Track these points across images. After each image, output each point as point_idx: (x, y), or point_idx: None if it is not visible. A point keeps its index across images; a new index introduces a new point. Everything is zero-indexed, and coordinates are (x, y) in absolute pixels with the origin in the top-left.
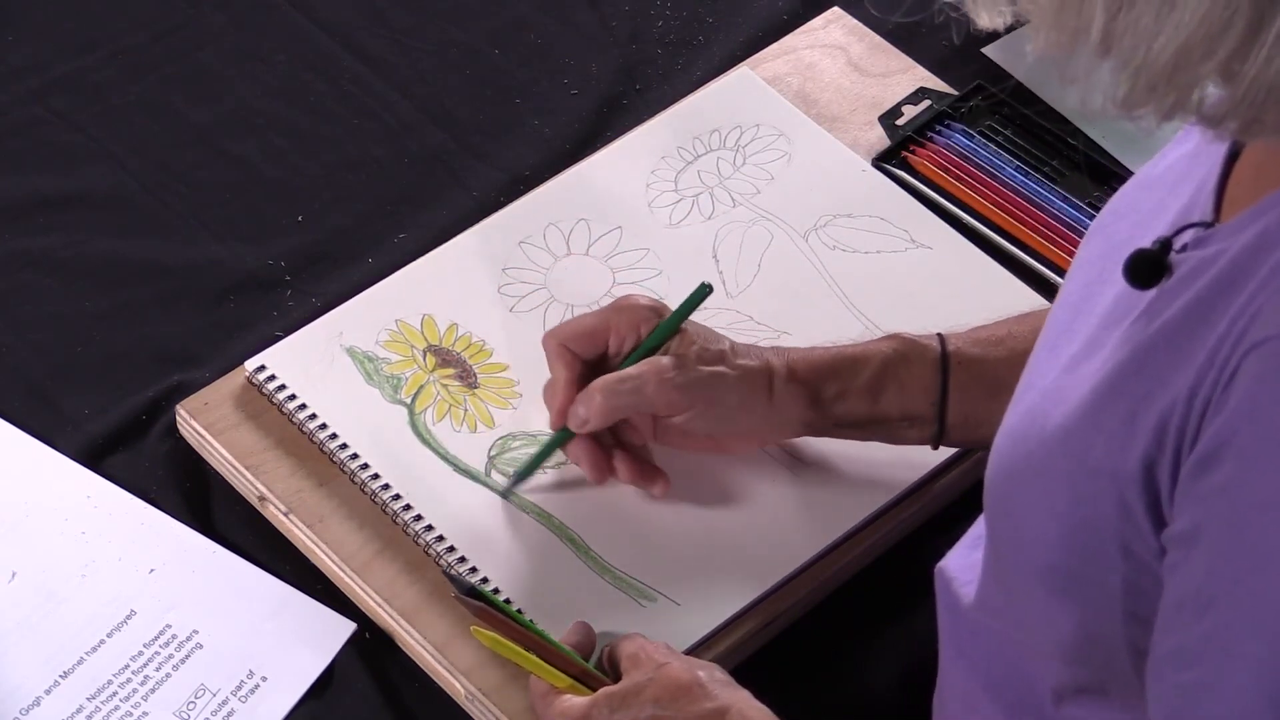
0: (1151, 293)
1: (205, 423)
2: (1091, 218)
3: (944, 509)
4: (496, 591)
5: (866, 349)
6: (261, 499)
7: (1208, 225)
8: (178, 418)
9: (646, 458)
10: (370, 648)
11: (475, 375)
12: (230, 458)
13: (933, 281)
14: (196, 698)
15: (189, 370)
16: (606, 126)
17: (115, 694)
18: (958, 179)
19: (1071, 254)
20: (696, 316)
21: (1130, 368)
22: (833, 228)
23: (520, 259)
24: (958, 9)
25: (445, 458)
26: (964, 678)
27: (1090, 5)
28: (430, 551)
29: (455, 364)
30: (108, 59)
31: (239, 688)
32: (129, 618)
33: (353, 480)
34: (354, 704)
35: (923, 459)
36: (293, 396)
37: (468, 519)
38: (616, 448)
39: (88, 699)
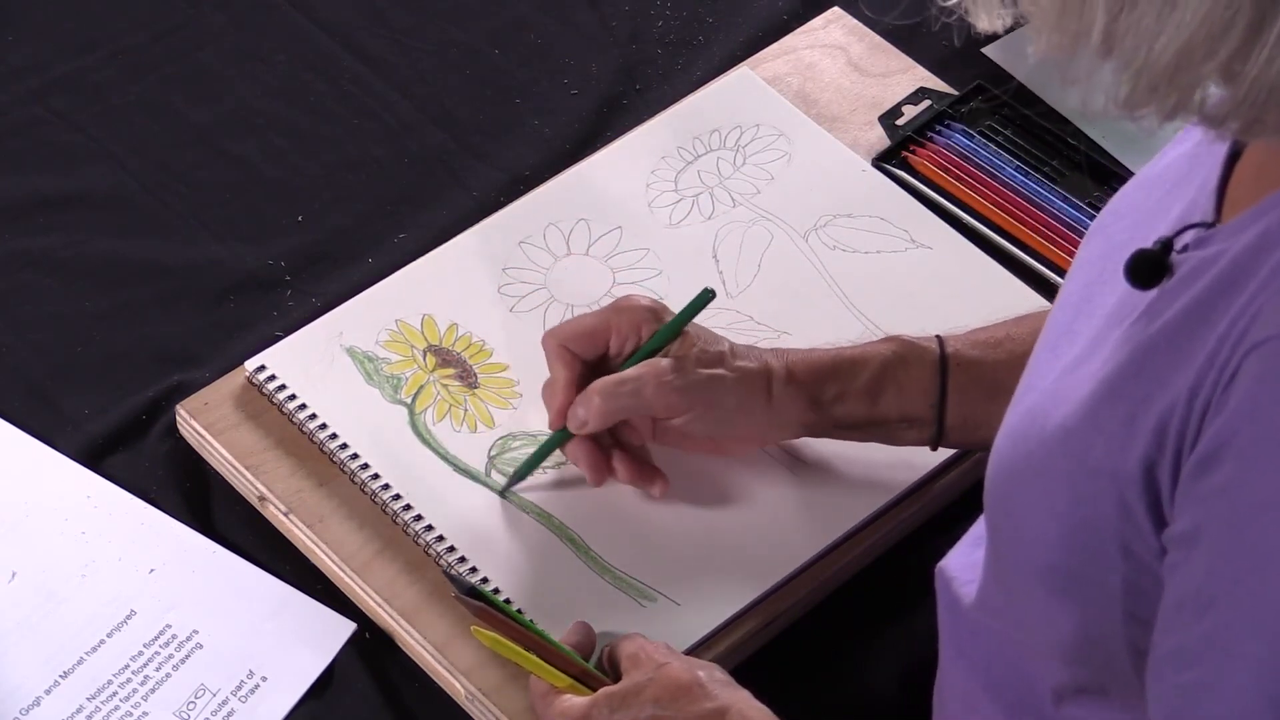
0: (1152, 293)
1: (205, 423)
2: (1091, 218)
3: (944, 509)
4: (496, 591)
5: (865, 351)
6: (261, 499)
7: (1208, 225)
8: (178, 418)
9: (645, 458)
10: (370, 648)
11: (475, 375)
12: (230, 458)
13: (933, 282)
14: (196, 698)
15: (189, 370)
16: (606, 126)
17: (115, 694)
18: (958, 179)
19: (1071, 254)
20: (699, 316)
21: (1130, 368)
22: (833, 228)
23: (520, 259)
24: (953, 13)
25: (445, 458)
26: (964, 677)
27: (1092, 7)
28: (430, 551)
29: (455, 364)
30: (108, 59)
31: (239, 688)
32: (129, 618)
33: (353, 480)
34: (354, 704)
35: (922, 460)
36: (293, 396)
37: (468, 519)
38: (615, 448)
39: (88, 699)
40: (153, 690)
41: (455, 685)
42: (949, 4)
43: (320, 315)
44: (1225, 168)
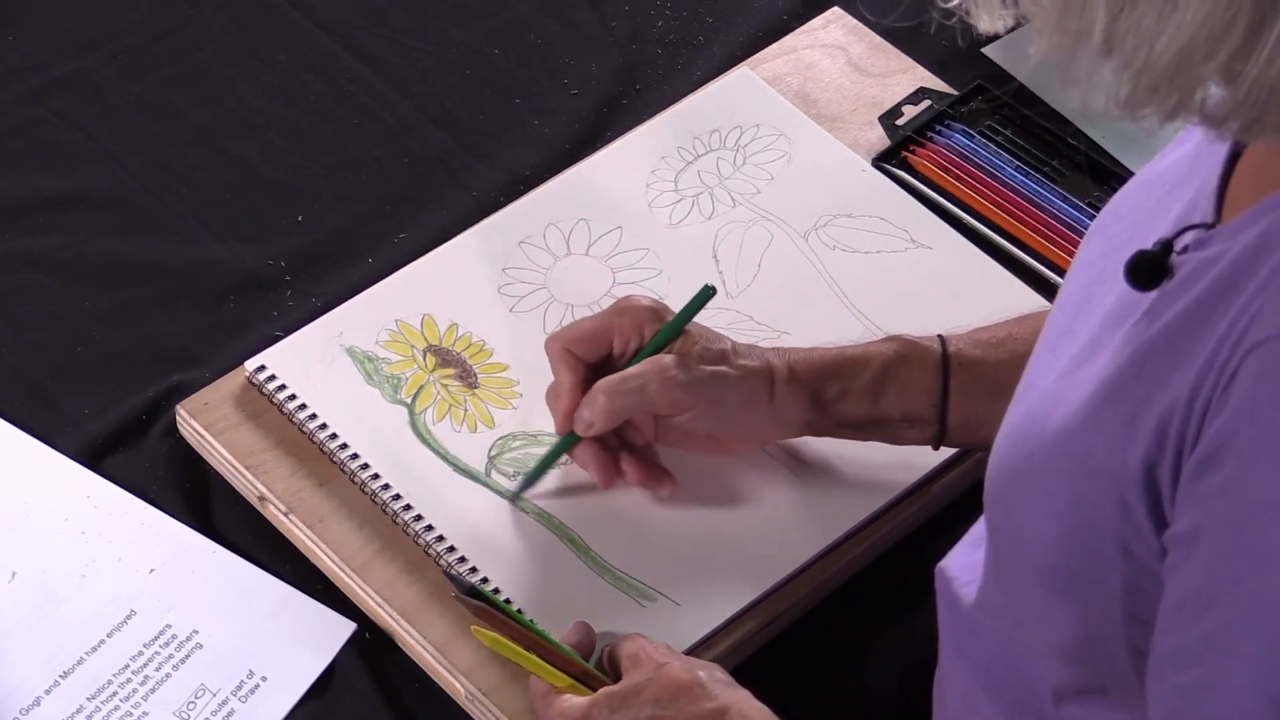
0: (1152, 294)
1: (205, 423)
2: (1091, 218)
3: (944, 509)
4: (496, 591)
5: (867, 350)
6: (261, 499)
7: (1209, 226)
8: (178, 418)
9: (653, 459)
10: (370, 648)
11: (475, 375)
12: (230, 458)
13: (933, 281)
14: (196, 698)
15: (189, 370)
16: (606, 126)
17: (115, 694)
18: (958, 179)
19: (1071, 254)
20: (697, 316)
21: (1131, 369)
22: (833, 228)
23: (520, 259)
24: (953, 14)
25: (445, 458)
26: (964, 678)
27: (1092, 7)
28: (430, 551)
29: (455, 364)
30: (108, 59)
31: (239, 688)
32: (129, 618)
33: (353, 480)
34: (354, 704)
35: (922, 460)
36: (293, 396)
37: (468, 519)
38: (622, 450)
39: (88, 699)
40: (153, 690)
41: (455, 685)
42: (950, 5)
43: (320, 315)
44: (1225, 168)
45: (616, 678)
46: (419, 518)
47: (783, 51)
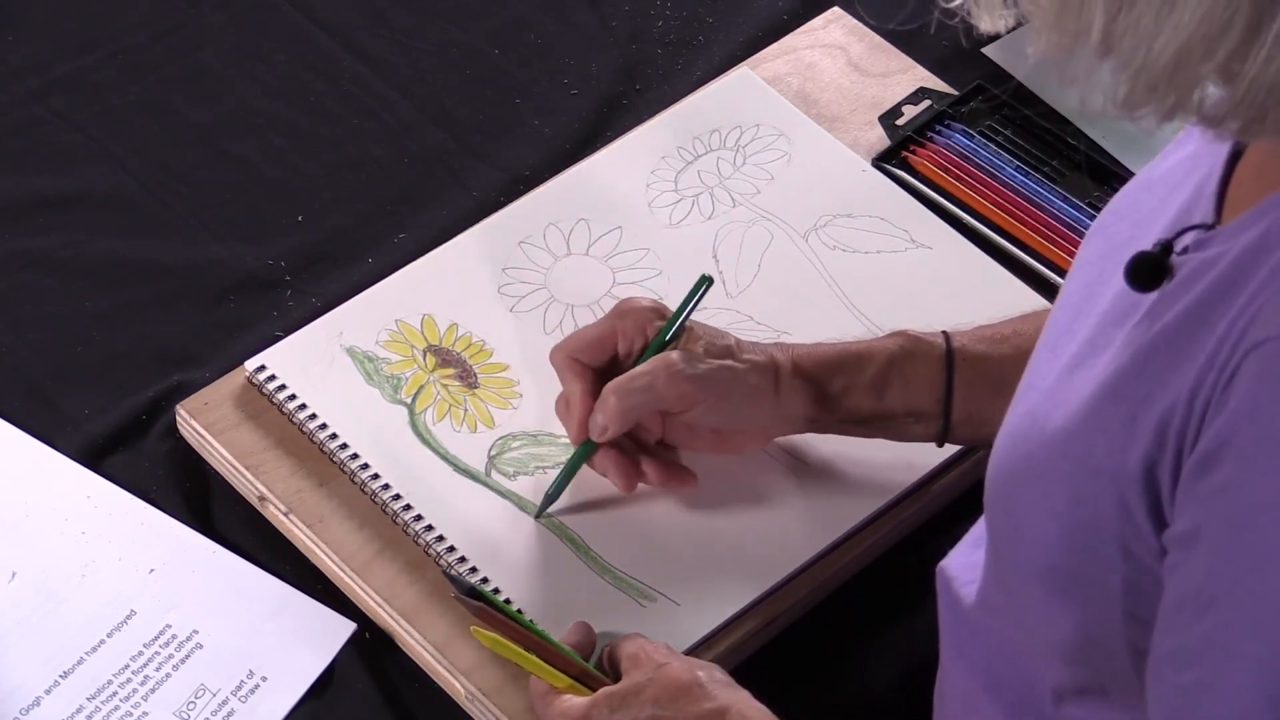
0: (1153, 295)
1: (205, 423)
2: (1091, 218)
3: (944, 509)
4: (496, 591)
5: (871, 345)
6: (261, 499)
7: (1209, 227)
8: (178, 418)
9: (673, 458)
10: (370, 648)
11: (475, 375)
12: (230, 458)
13: (933, 281)
14: (196, 698)
15: (189, 370)
16: (606, 126)
17: (115, 694)
18: (958, 179)
19: (1071, 254)
20: (697, 317)
21: (1131, 370)
22: (833, 228)
23: (520, 259)
24: (954, 15)
25: (445, 458)
26: (964, 677)
27: (1090, 7)
28: (430, 551)
29: (455, 364)
30: (108, 59)
31: (239, 688)
32: (129, 618)
33: (353, 480)
34: (354, 704)
35: (922, 460)
36: (293, 396)
37: (468, 519)
38: (641, 453)
39: (88, 699)
40: (153, 690)
41: (455, 685)
42: (952, 5)
43: (320, 315)
44: (1226, 169)
45: (616, 678)
46: (419, 518)
47: (783, 51)
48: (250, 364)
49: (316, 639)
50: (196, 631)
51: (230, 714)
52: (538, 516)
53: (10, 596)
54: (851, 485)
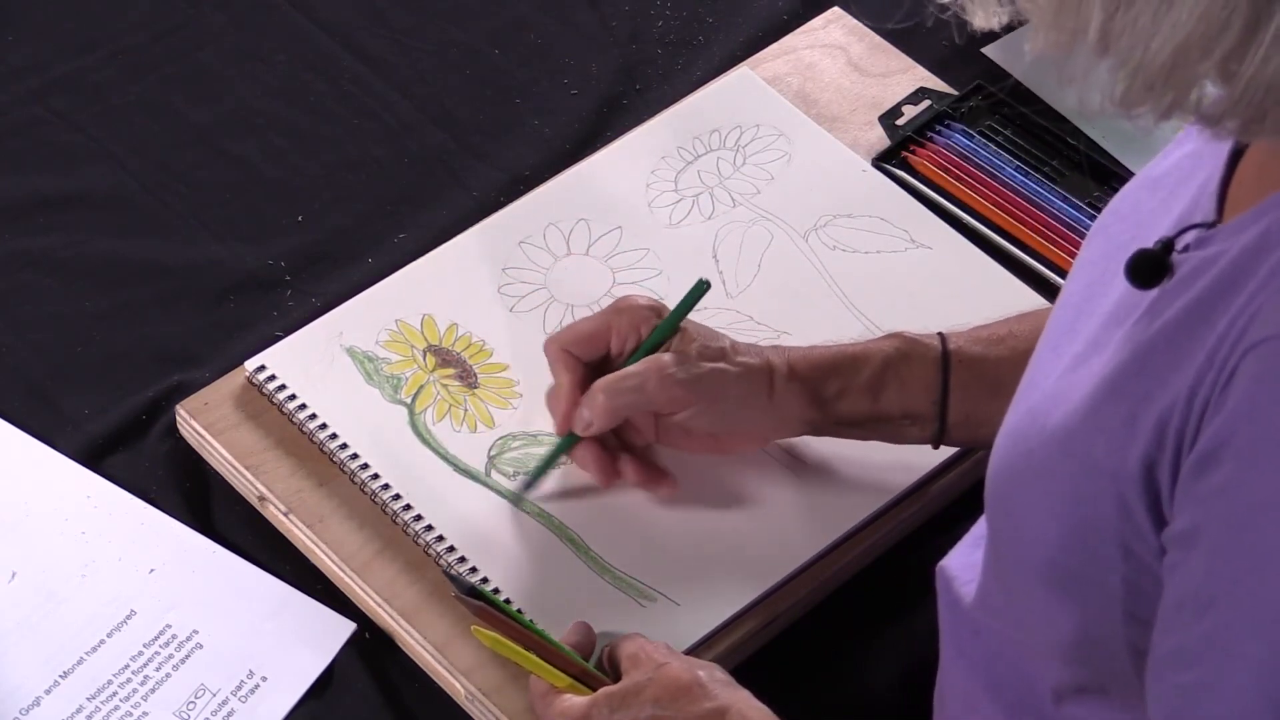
0: (1153, 293)
1: (205, 423)
2: (1091, 218)
3: (944, 509)
4: (496, 591)
5: (867, 347)
6: (261, 499)
7: (1209, 226)
8: (178, 418)
9: (652, 459)
10: (370, 648)
11: (475, 375)
12: (230, 458)
13: (933, 281)
14: (196, 698)
15: (189, 370)
16: (606, 126)
17: (115, 694)
18: (958, 179)
19: (1071, 254)
20: (696, 317)
21: (1131, 368)
22: (833, 228)
23: (520, 259)
24: (947, 9)
25: (445, 458)
26: (964, 677)
27: (1088, 5)
28: (430, 551)
29: (455, 364)
30: (108, 59)
31: (239, 688)
32: (129, 618)
33: (353, 480)
34: (354, 704)
35: (922, 460)
36: (293, 396)
37: (468, 519)
38: (622, 451)
39: (88, 699)
40: (153, 690)
41: (455, 685)
42: (944, 0)
43: (320, 315)
44: (1227, 168)
45: (616, 678)
46: (419, 518)
47: (783, 51)
48: (250, 364)
49: (316, 639)
50: (196, 631)
51: (230, 714)
52: (515, 501)
53: (10, 596)
54: (851, 485)
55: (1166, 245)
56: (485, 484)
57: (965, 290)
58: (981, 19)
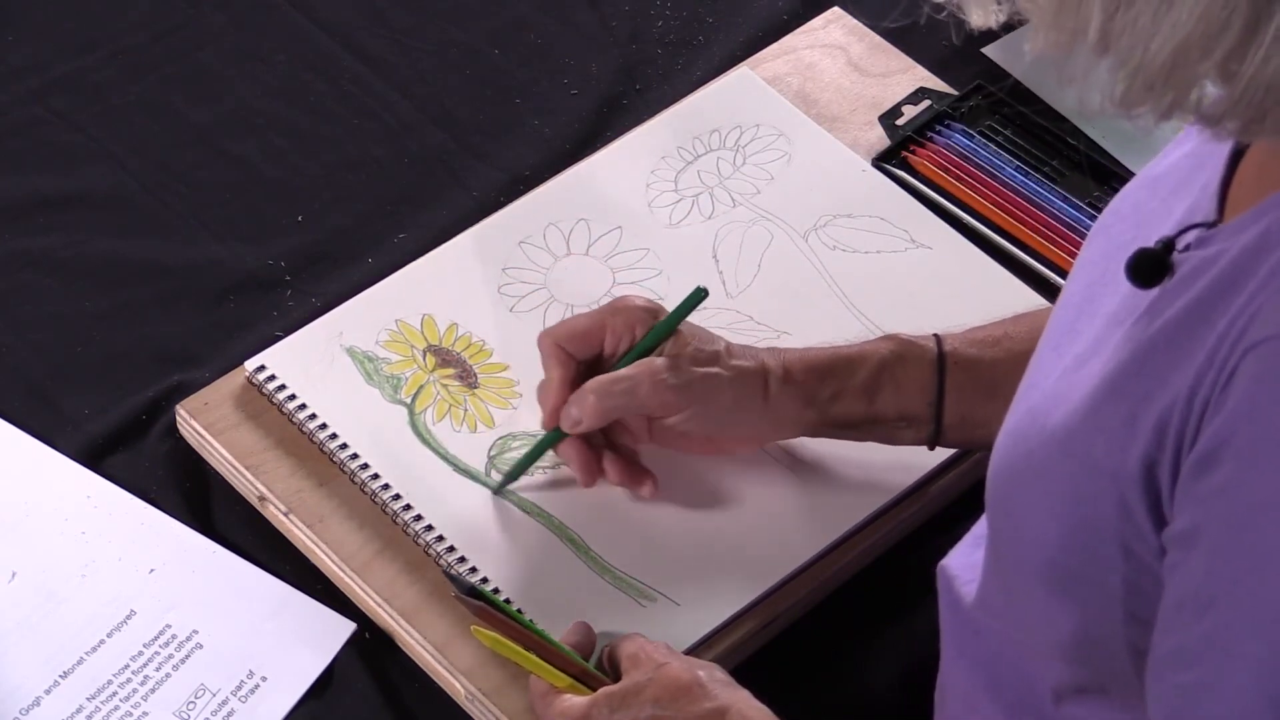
0: (1154, 293)
1: (205, 423)
2: (1091, 218)
3: (944, 509)
4: (496, 591)
5: (863, 349)
6: (261, 499)
7: (1210, 225)
8: (178, 418)
9: (634, 459)
10: (370, 648)
11: (475, 375)
12: (230, 458)
13: (933, 281)
14: (196, 698)
15: (189, 370)
16: (606, 126)
17: (115, 694)
18: (958, 179)
19: (1071, 254)
20: (697, 316)
21: (1131, 368)
22: (833, 228)
23: (520, 259)
24: (943, 8)
25: (445, 458)
26: (964, 677)
27: (1088, 5)
28: (430, 551)
29: (455, 364)
30: (108, 59)
31: (239, 688)
32: (129, 618)
33: (353, 480)
34: (354, 704)
35: (922, 459)
36: (293, 396)
37: (468, 519)
38: (606, 449)
39: (88, 699)
40: (153, 690)
41: (455, 685)
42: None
43: (320, 315)
44: (1228, 168)
45: (616, 678)
46: (419, 518)
47: (783, 51)
48: (250, 364)
49: (316, 639)
50: (196, 631)
51: (230, 714)
52: (497, 492)
53: (10, 596)
54: (851, 485)
55: (1167, 245)
56: (485, 484)
57: (965, 290)
58: (979, 18)
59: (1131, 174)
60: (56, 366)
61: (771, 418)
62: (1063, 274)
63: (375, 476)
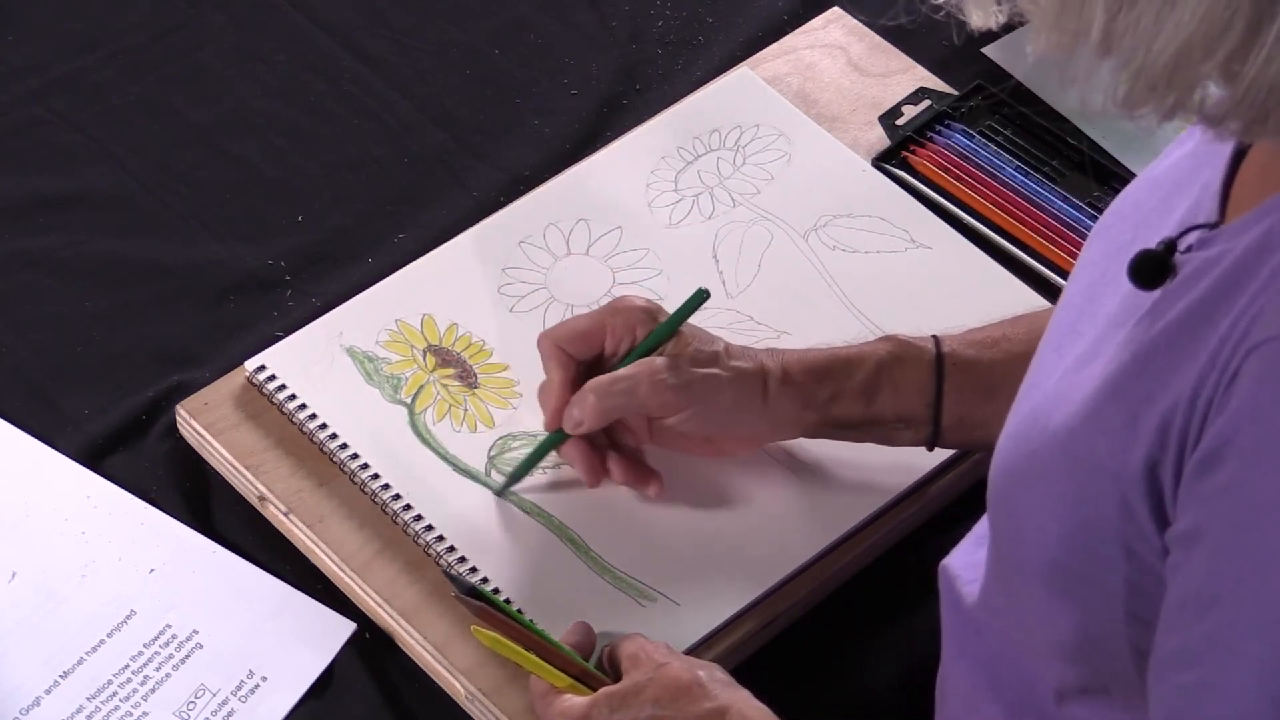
0: (1156, 294)
1: (205, 423)
2: (1091, 218)
3: (944, 509)
4: (496, 591)
5: (861, 350)
6: (261, 499)
7: (1212, 226)
8: (178, 418)
9: (640, 459)
10: (370, 648)
11: (475, 375)
12: (230, 458)
13: (933, 281)
14: (196, 698)
15: (189, 370)
16: (606, 126)
17: (115, 694)
18: (958, 179)
19: (1072, 254)
20: (697, 316)
21: (1133, 368)
22: (833, 228)
23: (520, 259)
24: (941, 9)
25: (445, 458)
26: (965, 677)
27: (1091, 6)
28: (430, 551)
29: (455, 364)
30: (108, 59)
31: (239, 688)
32: (129, 618)
33: (353, 480)
34: (354, 704)
35: (922, 460)
36: (293, 396)
37: (468, 519)
38: (610, 449)
39: (88, 699)
40: (153, 690)
41: (455, 685)
42: (940, 0)
43: (320, 315)
44: (1229, 168)
45: (616, 678)
46: (419, 518)
47: (783, 51)
48: (250, 364)
49: (316, 639)
50: (196, 631)
51: (230, 714)
52: (500, 494)
53: (10, 596)
54: (851, 485)
55: (1169, 246)
56: (485, 484)
57: (965, 290)
58: (979, 19)
59: (1132, 174)
60: (56, 366)
61: (770, 419)
62: (1063, 274)
63: (375, 476)
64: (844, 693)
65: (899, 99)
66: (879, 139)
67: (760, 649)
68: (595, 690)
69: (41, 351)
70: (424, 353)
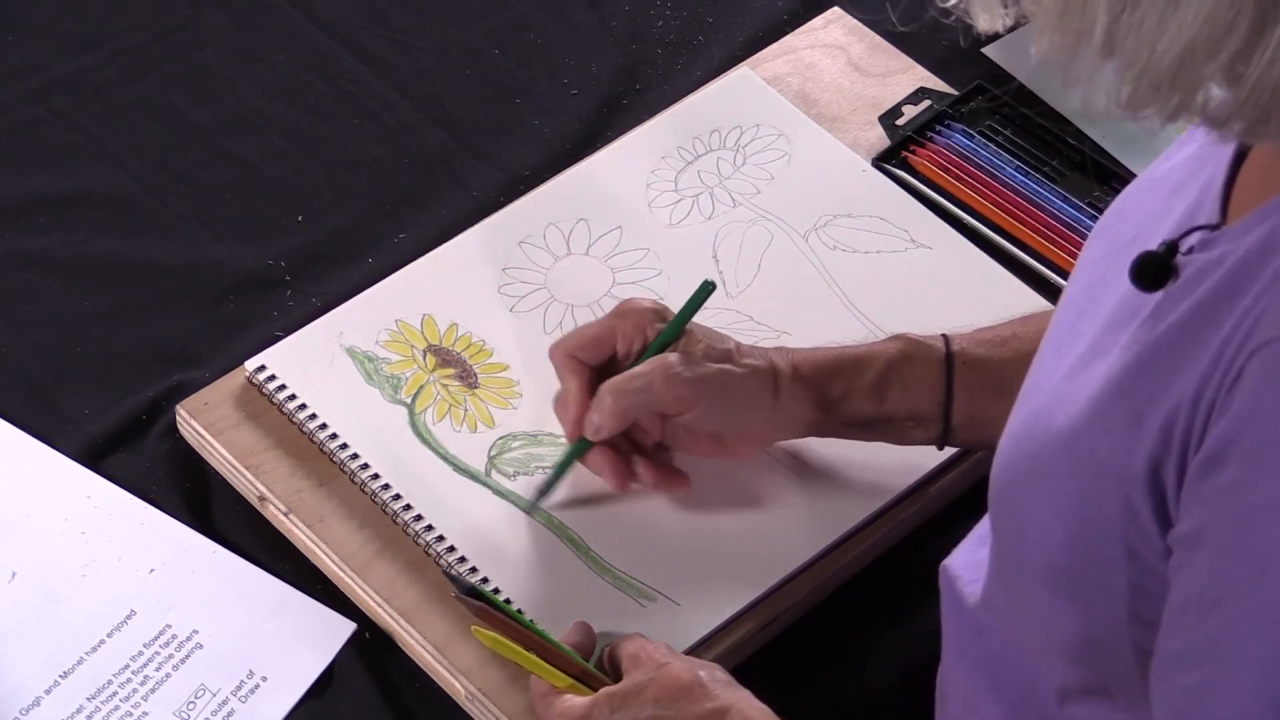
0: (1157, 295)
1: (205, 423)
2: (1092, 218)
3: (945, 509)
4: (496, 591)
5: (871, 349)
6: (261, 499)
7: (1214, 227)
8: (178, 418)
9: (667, 460)
10: (370, 648)
11: (475, 375)
12: (230, 458)
13: (933, 281)
14: (196, 698)
15: (189, 370)
16: (606, 126)
17: (115, 694)
18: (958, 179)
19: (1072, 254)
20: (697, 318)
21: (1136, 370)
22: (833, 228)
23: (520, 259)
24: (949, 13)
25: (445, 458)
26: (966, 677)
27: (1094, 7)
28: (430, 551)
29: (455, 364)
30: (108, 59)
31: (239, 688)
32: (129, 618)
33: (353, 480)
34: (354, 704)
35: (923, 460)
36: (293, 396)
37: (468, 519)
38: (635, 453)
39: (88, 699)
40: (153, 690)
41: (455, 685)
42: (948, 4)
43: (320, 315)
44: (1231, 169)
45: (617, 678)
46: (419, 518)
47: (783, 51)
48: (250, 364)
49: (316, 639)
50: (196, 631)
51: (230, 714)
52: (529, 511)
53: (10, 596)
54: (851, 486)
55: (1171, 247)
56: (485, 484)
57: (965, 290)
58: (986, 22)
59: (1133, 175)
60: (56, 366)
61: (781, 416)
62: (1063, 274)
63: (375, 476)
64: (844, 693)
65: (899, 99)
66: (879, 139)
67: (760, 649)
68: (595, 690)
69: (41, 351)
70: (424, 353)
